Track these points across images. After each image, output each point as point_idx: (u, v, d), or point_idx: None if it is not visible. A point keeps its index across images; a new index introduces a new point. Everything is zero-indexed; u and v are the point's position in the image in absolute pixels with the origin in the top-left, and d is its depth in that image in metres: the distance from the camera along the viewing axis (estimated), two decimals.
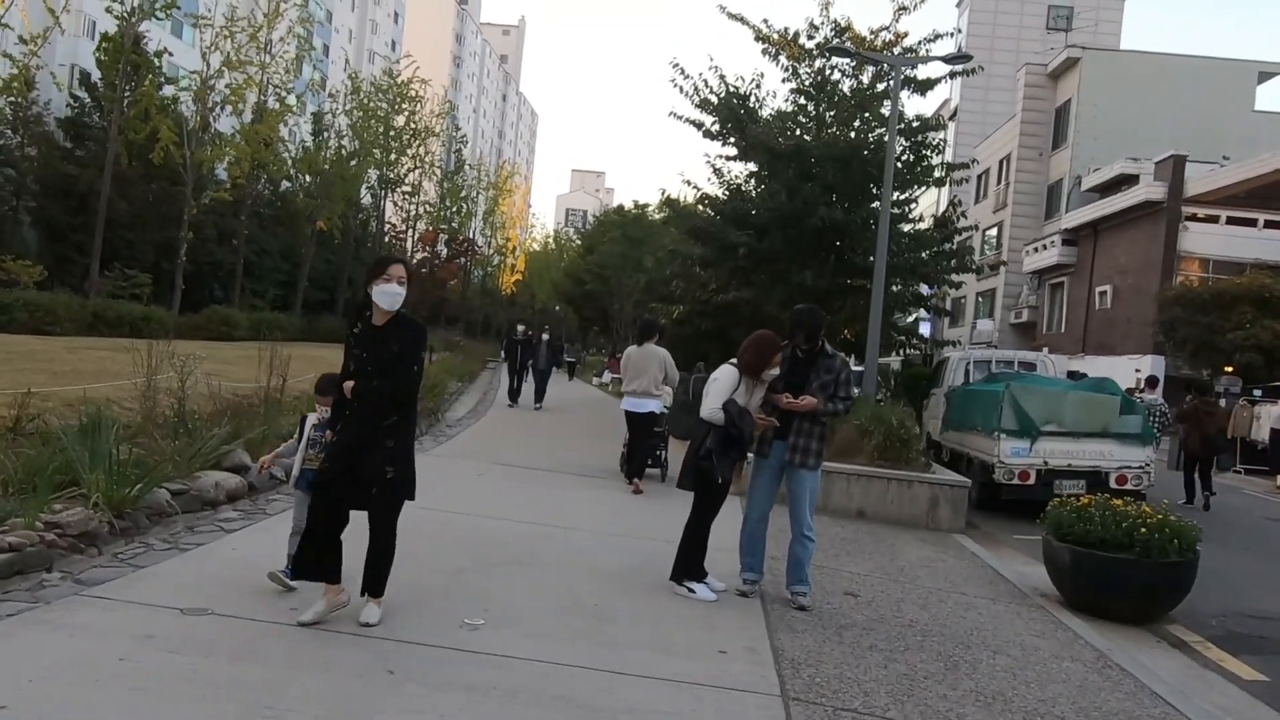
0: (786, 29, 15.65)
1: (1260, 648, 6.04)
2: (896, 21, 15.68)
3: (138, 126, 26.87)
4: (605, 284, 42.50)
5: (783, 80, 16.27)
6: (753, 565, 5.59)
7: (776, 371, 5.36)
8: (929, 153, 15.52)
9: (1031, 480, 10.58)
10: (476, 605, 4.62)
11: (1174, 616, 6.51)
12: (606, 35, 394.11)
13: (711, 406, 5.25)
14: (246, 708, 3.15)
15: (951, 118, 42.98)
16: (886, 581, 6.50)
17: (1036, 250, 36.57)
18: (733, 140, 15.83)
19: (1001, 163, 41.20)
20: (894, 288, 15.41)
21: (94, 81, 32.51)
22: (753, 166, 16.27)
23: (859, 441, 9.79)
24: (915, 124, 15.44)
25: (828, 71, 15.62)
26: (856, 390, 6.87)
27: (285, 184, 40.87)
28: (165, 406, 8.28)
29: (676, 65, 15.71)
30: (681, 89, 15.73)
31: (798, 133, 15.40)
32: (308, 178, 39.34)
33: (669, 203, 18.71)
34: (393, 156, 44.40)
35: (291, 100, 33.90)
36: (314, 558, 4.01)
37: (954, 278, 16.72)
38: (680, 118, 16.13)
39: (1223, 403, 19.57)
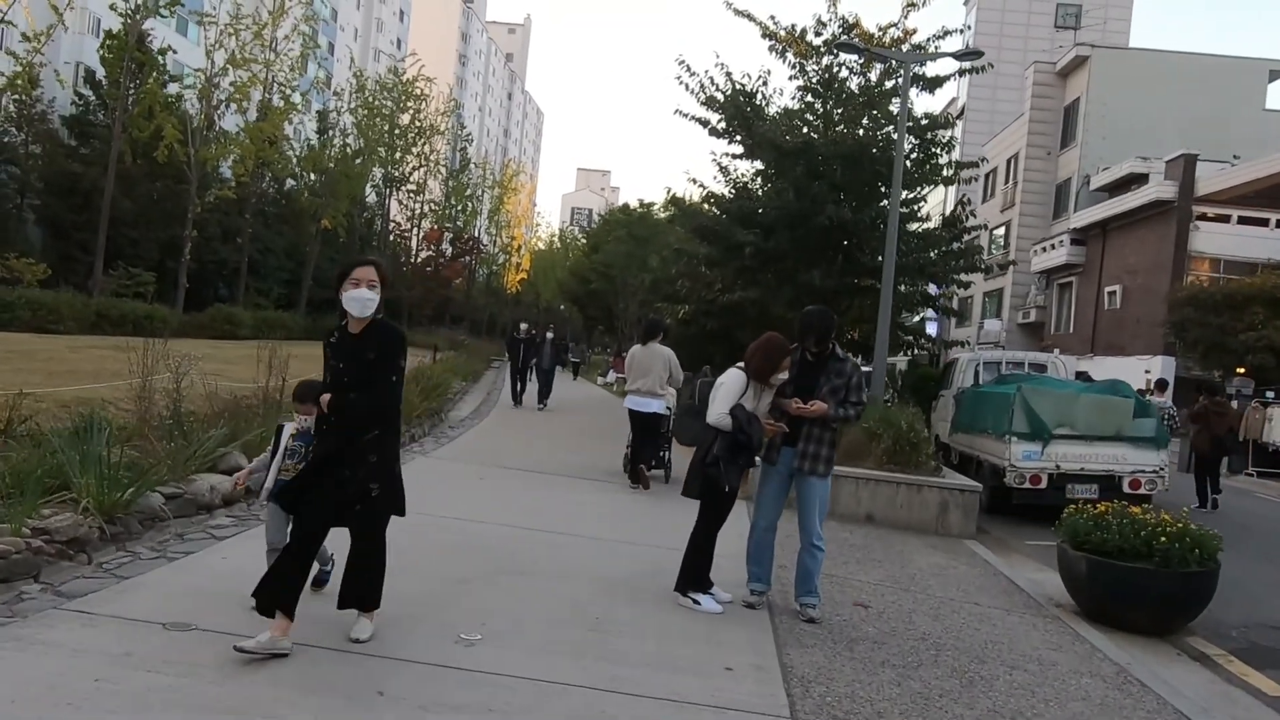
0: (794, 25, 15.46)
1: None
2: (905, 18, 15.47)
3: (142, 124, 26.82)
4: (610, 283, 42.33)
5: (789, 78, 16.11)
6: (760, 575, 5.41)
7: (785, 375, 5.19)
8: (938, 150, 15.31)
9: (1043, 484, 10.40)
10: (474, 618, 4.45)
11: (1193, 628, 6.32)
12: (612, 33, 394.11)
13: (719, 412, 5.07)
14: None
15: (959, 116, 42.59)
16: (897, 591, 6.31)
17: (1045, 250, 36.30)
18: (739, 138, 15.66)
19: (1009, 162, 40.93)
20: (902, 287, 15.21)
21: (99, 79, 32.48)
22: (759, 165, 16.08)
23: (868, 444, 9.59)
24: (924, 122, 15.25)
25: (835, 69, 15.43)
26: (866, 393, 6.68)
27: (290, 182, 40.78)
28: (162, 407, 8.12)
29: (682, 62, 15.53)
30: (687, 86, 15.57)
31: (805, 130, 15.21)
32: (312, 176, 39.25)
33: (674, 201, 18.53)
34: (398, 155, 44.33)
35: (296, 98, 33.79)
36: (281, 587, 3.70)
37: (962, 277, 16.52)
38: (686, 115, 15.98)
39: (1235, 404, 19.34)
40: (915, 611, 5.78)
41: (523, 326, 19.65)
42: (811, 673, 4.31)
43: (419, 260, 53.87)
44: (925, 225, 16.54)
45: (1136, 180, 31.40)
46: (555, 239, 73.11)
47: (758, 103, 15.56)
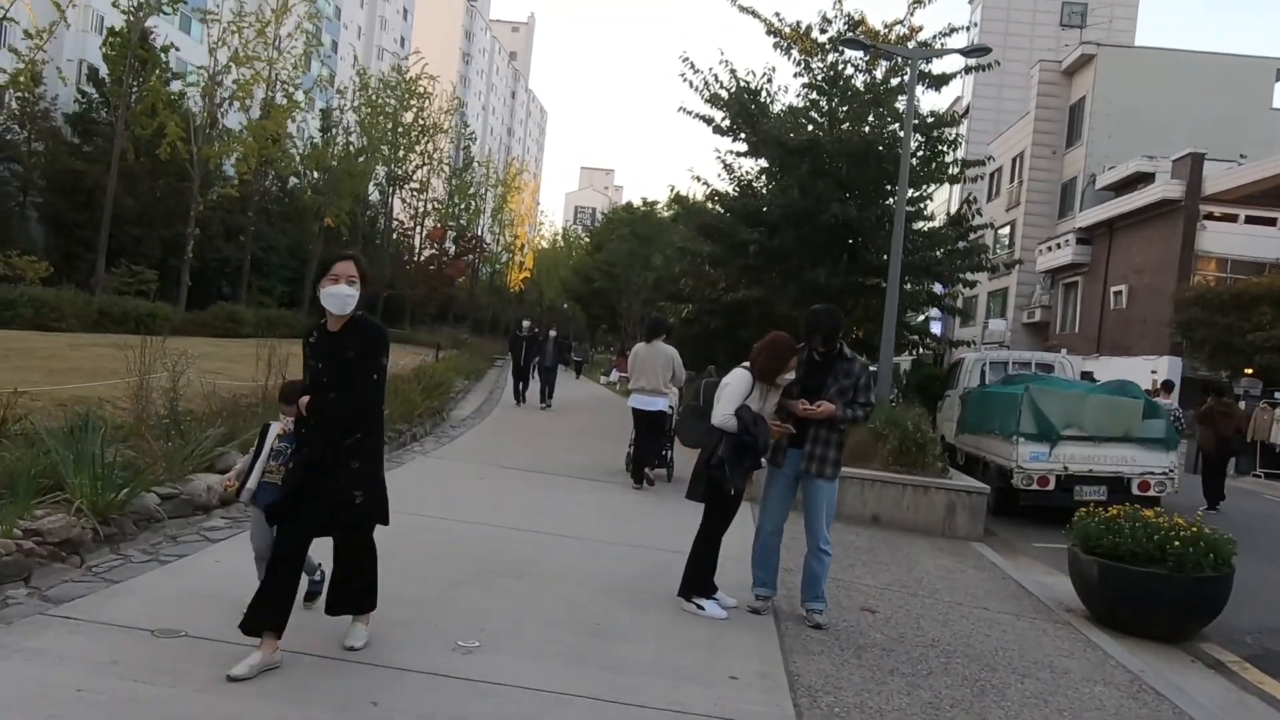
0: (799, 22, 15.32)
1: None
2: (911, 15, 15.35)
3: (144, 122, 26.75)
4: (614, 282, 42.21)
5: (794, 75, 15.98)
6: (765, 580, 5.29)
7: (792, 376, 5.07)
8: (945, 148, 15.19)
9: (1051, 486, 10.29)
10: (472, 624, 4.34)
11: (1207, 634, 6.19)
12: (616, 31, 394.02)
13: (724, 412, 4.95)
14: None
15: (964, 115, 42.44)
16: (905, 595, 6.19)
17: (1050, 249, 36.11)
18: (743, 136, 15.54)
19: (1014, 160, 40.74)
20: (907, 286, 15.09)
21: (101, 77, 32.43)
22: (764, 162, 15.96)
23: (873, 445, 9.48)
24: (930, 120, 15.12)
25: (840, 66, 15.30)
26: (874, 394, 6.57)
27: (293, 180, 40.72)
28: (159, 406, 8.03)
29: (686, 60, 15.43)
30: (691, 84, 15.46)
31: (810, 128, 15.09)
32: (315, 174, 39.18)
33: (678, 199, 18.40)
34: (401, 153, 44.22)
35: (299, 96, 33.71)
36: (271, 605, 3.53)
37: (968, 277, 16.39)
38: (690, 113, 15.85)
39: (1243, 405, 19.20)
40: (923, 617, 5.67)
41: (525, 324, 19.48)
42: (819, 681, 4.20)
43: (422, 259, 53.82)
44: (930, 224, 16.42)
45: (1142, 179, 31.20)
46: (558, 238, 72.99)
47: (762, 100, 15.44)
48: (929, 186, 15.96)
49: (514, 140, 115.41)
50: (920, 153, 14.85)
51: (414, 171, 46.95)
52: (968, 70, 15.63)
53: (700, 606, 5.05)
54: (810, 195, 13.97)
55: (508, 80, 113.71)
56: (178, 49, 32.03)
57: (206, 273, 34.44)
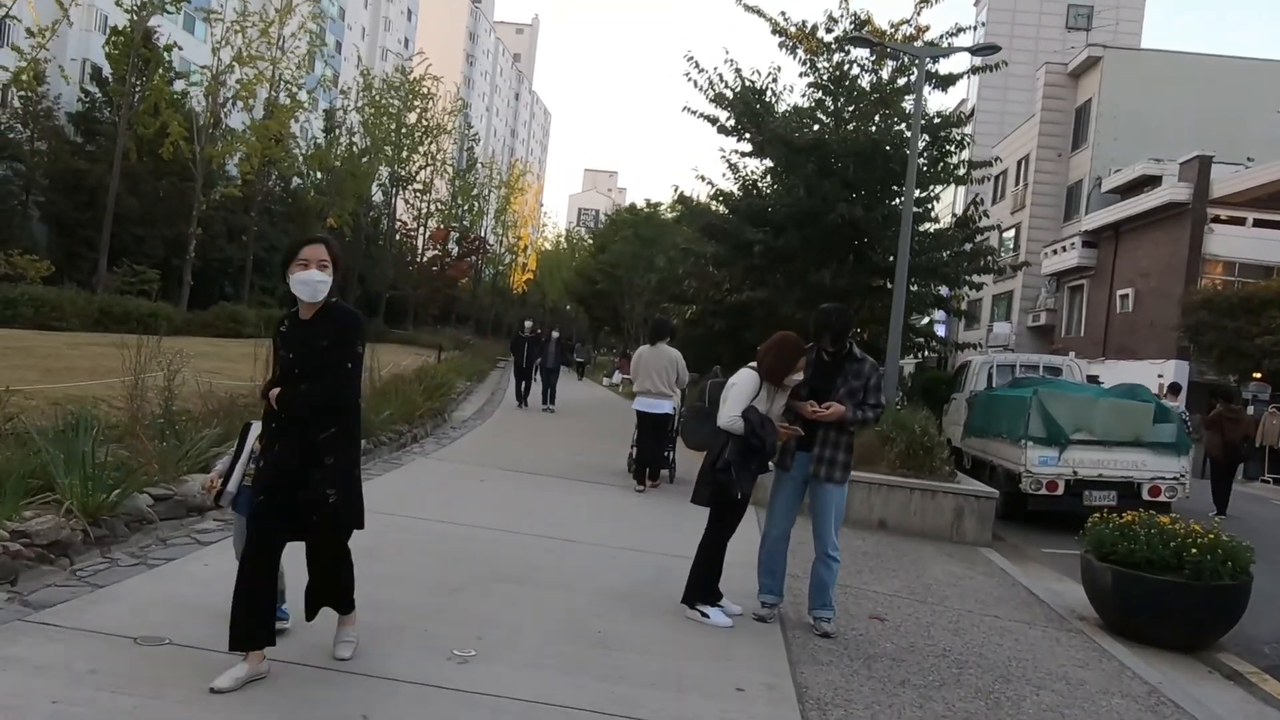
0: (804, 22, 15.20)
1: None
2: (918, 14, 15.21)
3: (147, 121, 26.70)
4: (616, 283, 42.07)
5: (800, 74, 15.85)
6: (771, 587, 5.14)
7: (800, 376, 4.91)
8: (952, 148, 15.03)
9: (1060, 491, 10.12)
10: (469, 632, 4.19)
11: (1223, 644, 6.04)
12: (620, 33, 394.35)
13: (730, 414, 4.79)
14: None
15: (969, 117, 42.34)
16: (914, 603, 6.04)
17: (1055, 252, 35.91)
18: (748, 136, 15.41)
19: (1020, 163, 40.55)
20: (914, 288, 14.94)
21: (104, 76, 32.38)
22: (769, 162, 15.81)
23: (880, 448, 9.33)
24: (937, 120, 14.98)
25: (846, 66, 15.17)
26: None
27: (296, 180, 40.68)
28: (155, 405, 7.90)
29: (691, 59, 15.31)
30: (696, 83, 15.34)
31: (815, 128, 14.96)
32: (319, 174, 39.13)
33: (682, 200, 18.27)
34: (404, 154, 44.16)
35: (303, 96, 33.67)
36: (250, 615, 3.32)
37: (975, 279, 16.23)
38: (695, 113, 15.72)
39: (1251, 410, 19.01)
40: (934, 625, 5.52)
41: (527, 325, 19.32)
42: (828, 694, 4.05)
43: (425, 259, 53.75)
44: (936, 225, 16.26)
45: (1149, 182, 31.00)
46: (561, 239, 72.92)
47: (768, 100, 15.31)
48: (936, 187, 15.80)
49: (517, 142, 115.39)
50: (928, 153, 14.71)
51: (417, 172, 46.90)
52: (975, 71, 15.49)
53: (705, 614, 4.89)
54: (816, 195, 13.82)
55: (511, 82, 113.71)
56: (181, 48, 31.93)
57: (209, 273, 34.37)
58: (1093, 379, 15.66)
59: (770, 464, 5.03)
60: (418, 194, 49.69)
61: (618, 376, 29.71)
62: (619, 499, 8.81)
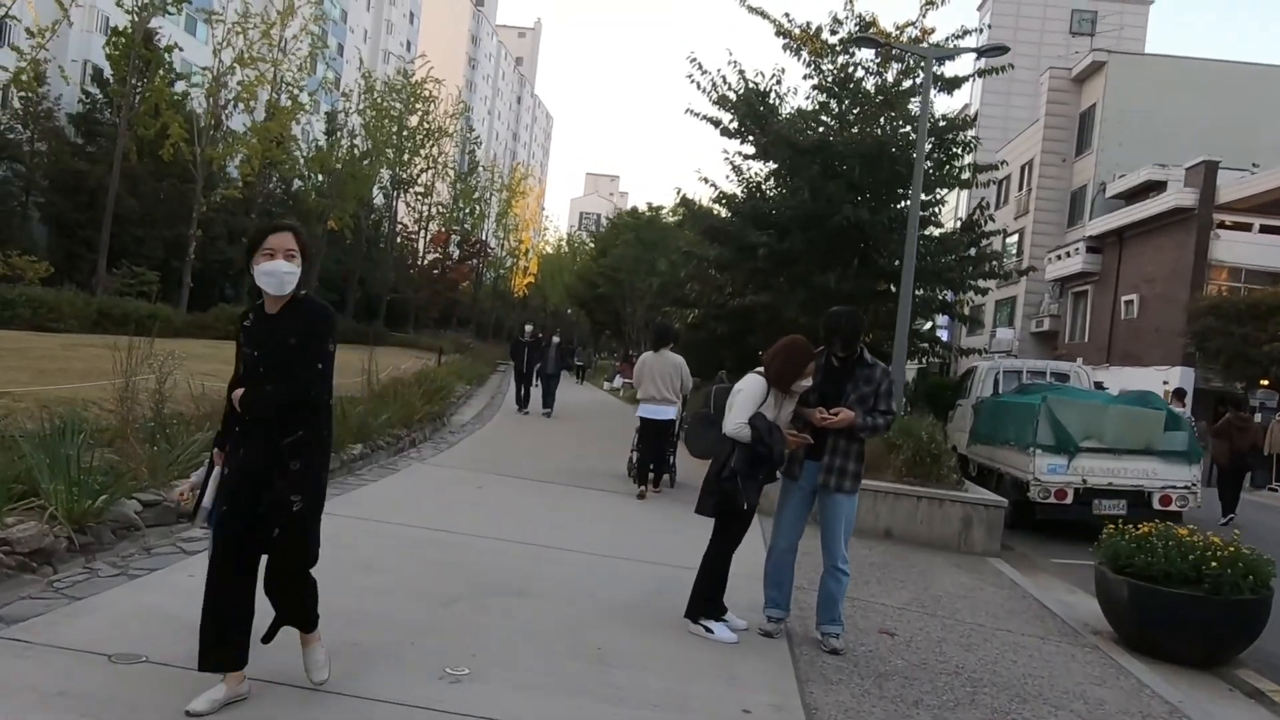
0: (809, 23, 15.05)
1: None
2: (924, 16, 15.06)
3: (147, 122, 26.59)
4: (618, 287, 41.93)
5: (804, 77, 15.69)
6: (778, 600, 4.95)
7: (809, 382, 4.73)
8: (959, 150, 14.87)
9: (1069, 499, 9.93)
10: (463, 648, 4.01)
11: (1243, 660, 5.84)
12: (623, 37, 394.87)
13: (736, 421, 4.60)
14: None
15: (973, 121, 42.20)
16: (924, 616, 5.85)
17: (1059, 258, 35.74)
18: (752, 138, 15.24)
19: (1024, 168, 40.41)
20: (919, 292, 14.76)
21: (105, 77, 32.28)
22: (773, 165, 15.65)
23: (886, 456, 9.15)
24: (943, 123, 14.82)
25: (850, 68, 15.01)
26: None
27: (297, 183, 40.56)
28: (146, 408, 7.72)
29: (694, 61, 15.15)
30: (699, 85, 15.17)
31: (820, 130, 14.79)
32: (320, 176, 38.99)
33: (685, 202, 18.10)
34: (405, 157, 44.04)
35: (304, 98, 33.56)
36: (220, 634, 3.12)
37: (980, 283, 16.05)
38: (698, 115, 15.57)
39: (1258, 418, 18.83)
40: (945, 640, 5.33)
41: (528, 329, 19.10)
42: (838, 715, 3.86)
43: (426, 263, 53.61)
44: (942, 230, 16.10)
45: (1154, 188, 30.84)
46: (563, 243, 72.79)
47: (771, 102, 15.15)
48: (941, 191, 15.64)
49: (519, 145, 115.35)
50: (933, 156, 14.55)
51: (418, 175, 46.81)
52: (981, 73, 15.34)
53: (709, 629, 4.71)
54: (821, 197, 13.66)
55: (513, 85, 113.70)
56: (182, 50, 31.84)
57: (209, 274, 34.23)
58: (1098, 386, 15.46)
59: (778, 473, 4.84)
60: (419, 197, 49.59)
61: (618, 380, 29.52)
62: (620, 505, 8.63)
